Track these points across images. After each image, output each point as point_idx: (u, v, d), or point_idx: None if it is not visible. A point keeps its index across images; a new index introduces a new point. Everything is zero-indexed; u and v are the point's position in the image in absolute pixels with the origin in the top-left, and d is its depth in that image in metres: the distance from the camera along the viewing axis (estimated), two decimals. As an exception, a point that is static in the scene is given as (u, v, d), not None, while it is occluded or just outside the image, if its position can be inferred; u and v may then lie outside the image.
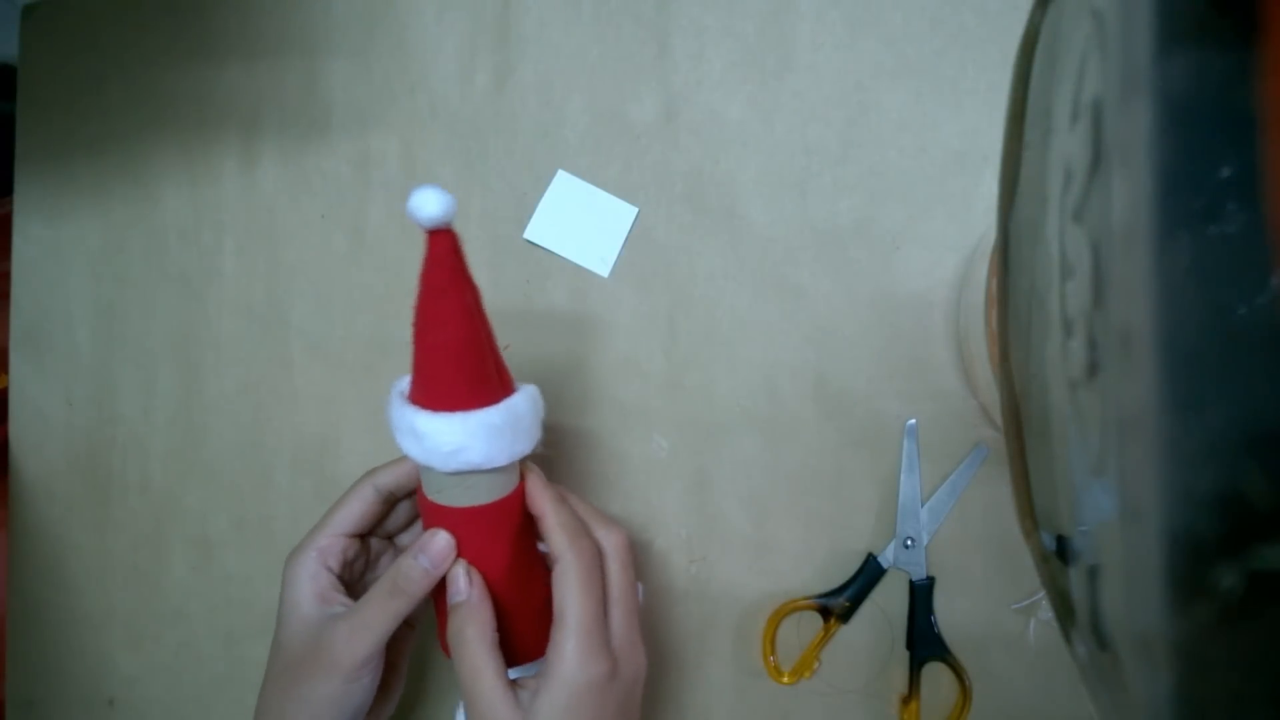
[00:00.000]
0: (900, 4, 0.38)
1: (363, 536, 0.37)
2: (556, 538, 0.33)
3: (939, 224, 0.37)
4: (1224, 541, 0.13)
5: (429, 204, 0.29)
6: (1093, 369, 0.15)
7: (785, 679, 0.38)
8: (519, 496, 0.34)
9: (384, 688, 0.36)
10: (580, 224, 0.42)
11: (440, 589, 0.34)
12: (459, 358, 0.32)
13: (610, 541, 0.34)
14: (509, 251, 0.43)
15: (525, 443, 0.34)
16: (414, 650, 0.39)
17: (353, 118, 0.46)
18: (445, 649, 0.35)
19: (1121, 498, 0.14)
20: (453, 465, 0.32)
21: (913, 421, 0.38)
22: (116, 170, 0.51)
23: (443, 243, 0.31)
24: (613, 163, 0.42)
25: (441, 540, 0.33)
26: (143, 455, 0.50)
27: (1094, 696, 0.16)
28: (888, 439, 0.38)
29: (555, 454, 0.42)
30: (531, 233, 0.42)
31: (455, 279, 0.32)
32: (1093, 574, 0.16)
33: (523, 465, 0.35)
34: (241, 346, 0.48)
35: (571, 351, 0.42)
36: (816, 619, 0.39)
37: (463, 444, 0.31)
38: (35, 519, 0.52)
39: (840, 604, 0.38)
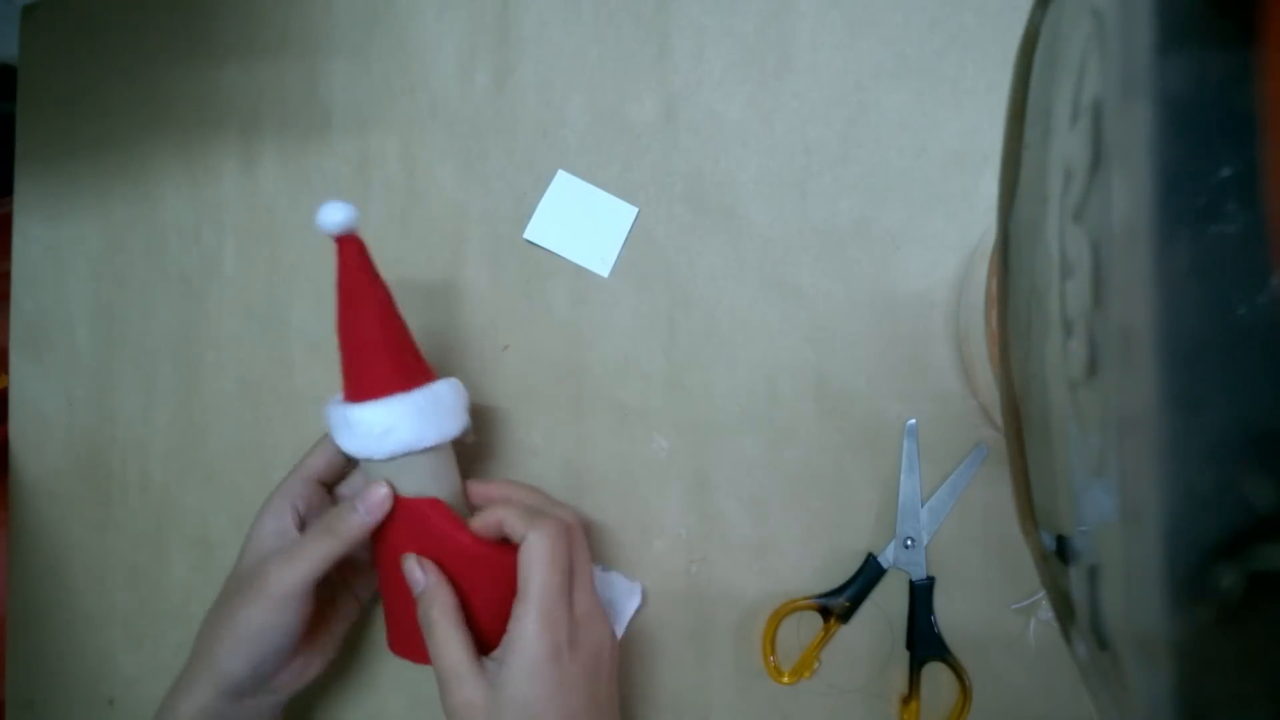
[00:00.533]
0: (900, 4, 0.38)
1: (330, 486, 0.40)
2: (514, 520, 0.34)
3: (939, 224, 0.37)
4: (1224, 541, 0.13)
5: (334, 214, 0.33)
6: (1093, 369, 0.15)
7: (785, 679, 0.38)
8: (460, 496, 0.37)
9: (313, 644, 0.38)
10: (580, 224, 0.42)
11: (394, 594, 0.37)
12: (379, 348, 0.35)
13: (563, 519, 0.35)
14: (509, 251, 0.43)
15: (451, 424, 0.36)
16: (353, 629, 0.41)
17: (353, 118, 0.46)
18: (393, 646, 0.38)
19: (1121, 497, 0.14)
20: (386, 448, 0.34)
21: (913, 421, 0.38)
22: (116, 170, 0.51)
23: (351, 248, 0.34)
24: (613, 163, 0.42)
25: (379, 490, 0.35)
26: (143, 455, 0.50)
27: (1094, 696, 0.16)
28: (888, 439, 0.38)
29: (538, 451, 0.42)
30: (531, 233, 0.42)
31: (366, 280, 0.35)
32: (1093, 574, 0.16)
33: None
34: (241, 346, 0.48)
35: (571, 351, 0.42)
36: (816, 619, 0.39)
37: (391, 425, 0.34)
38: (35, 519, 0.52)
39: (840, 604, 0.38)
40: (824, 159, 0.39)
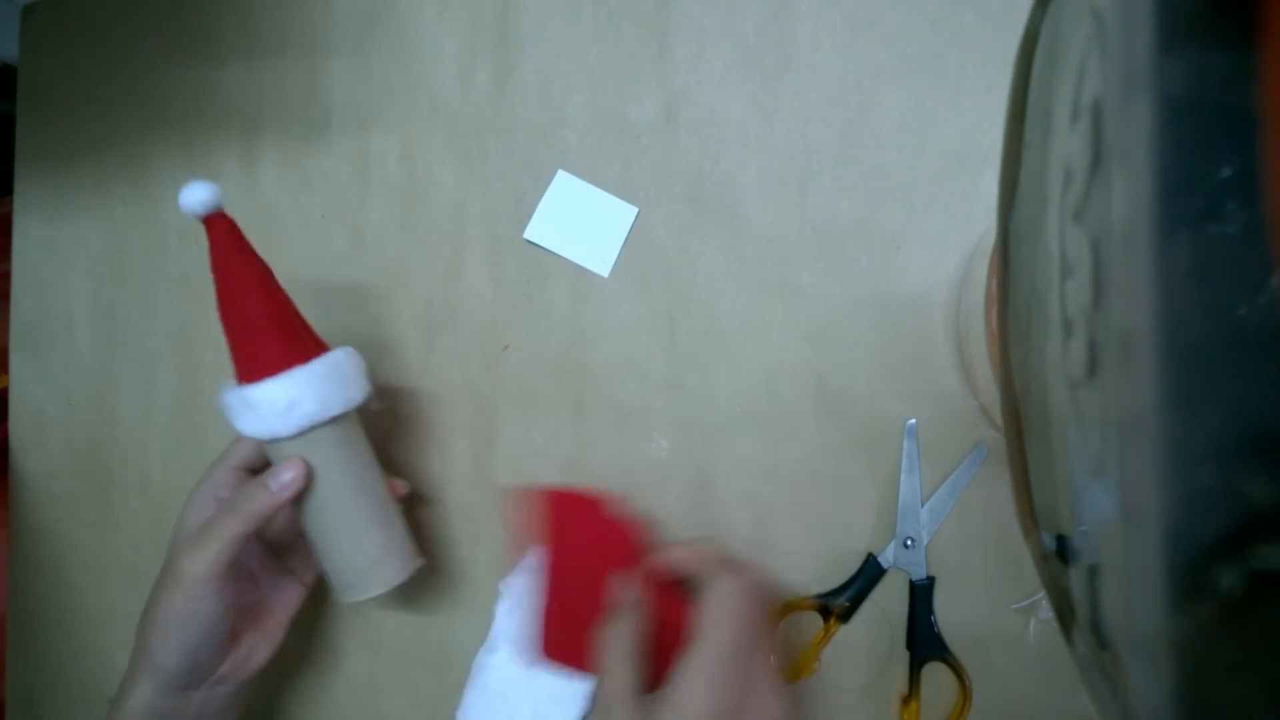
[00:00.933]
0: (900, 4, 0.38)
1: (256, 473, 0.39)
2: (704, 563, 0.32)
3: (939, 224, 0.37)
4: (1224, 541, 0.13)
5: (196, 193, 0.32)
6: (1093, 369, 0.15)
7: (785, 679, 0.38)
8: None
9: (255, 629, 0.38)
10: (580, 224, 0.42)
11: (568, 598, 0.35)
12: (267, 324, 0.34)
13: (756, 579, 0.32)
14: (509, 251, 0.43)
15: (355, 391, 0.36)
16: (301, 611, 0.41)
17: (353, 117, 0.46)
18: (549, 650, 0.36)
19: (1121, 497, 0.14)
20: (293, 422, 0.34)
21: (913, 421, 0.38)
22: (116, 170, 0.51)
23: (219, 226, 0.34)
24: (613, 163, 0.42)
25: (291, 467, 0.35)
26: (143, 455, 0.50)
27: (1094, 696, 0.16)
28: (888, 439, 0.38)
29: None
30: (531, 232, 0.42)
31: (240, 255, 0.34)
32: (1093, 573, 0.16)
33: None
34: (241, 346, 0.48)
35: (571, 351, 0.42)
36: (816, 619, 0.39)
37: (295, 398, 0.34)
38: (35, 519, 0.52)
39: (840, 604, 0.38)
40: (824, 159, 0.39)
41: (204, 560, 0.34)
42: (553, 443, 0.42)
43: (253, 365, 0.34)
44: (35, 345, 0.53)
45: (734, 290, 0.40)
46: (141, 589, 0.50)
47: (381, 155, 0.45)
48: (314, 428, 0.34)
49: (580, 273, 0.42)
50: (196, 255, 0.49)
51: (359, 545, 0.36)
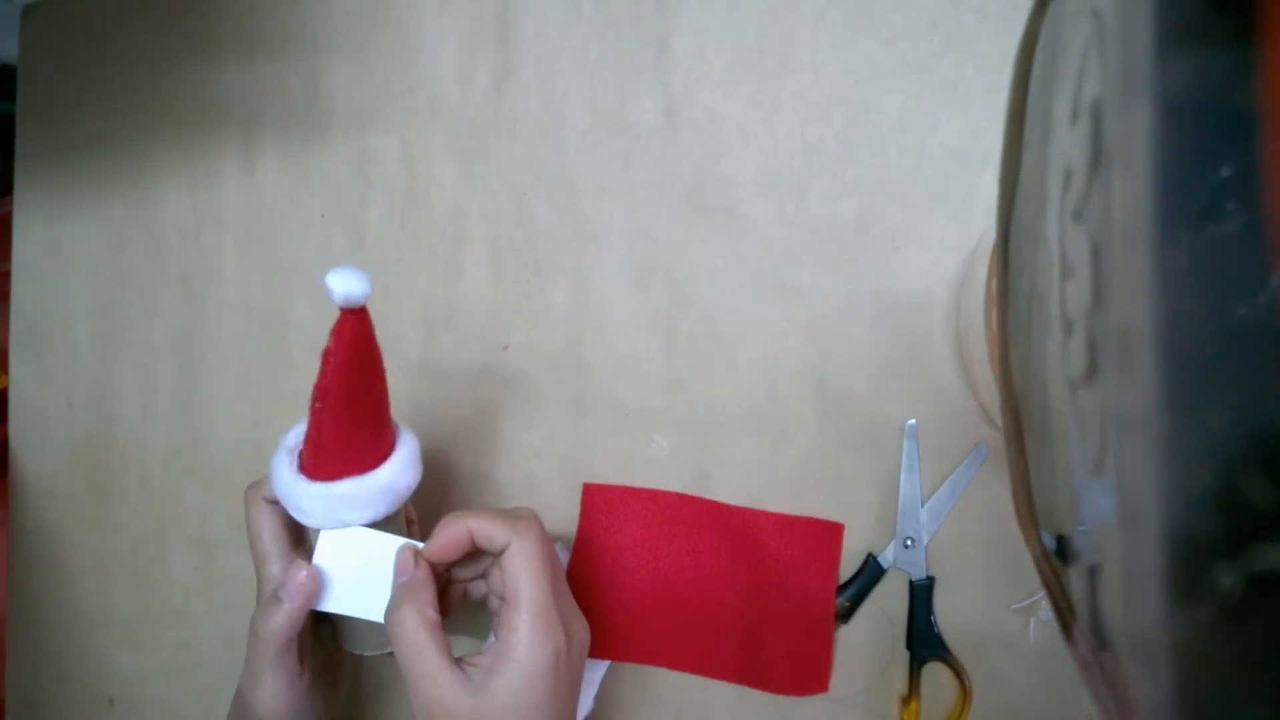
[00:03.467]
0: (900, 4, 0.38)
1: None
2: (492, 528, 0.33)
3: (939, 224, 0.37)
4: (1223, 541, 0.13)
5: (352, 284, 0.29)
6: (1093, 369, 0.15)
7: (785, 679, 0.38)
8: None
9: (324, 699, 0.37)
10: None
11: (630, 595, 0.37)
12: (375, 424, 0.33)
13: (536, 520, 0.34)
14: (509, 251, 0.43)
15: (416, 476, 0.35)
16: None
17: (353, 117, 0.46)
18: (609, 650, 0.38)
19: (1121, 498, 0.14)
20: (365, 518, 0.33)
21: (913, 421, 0.38)
22: (116, 170, 0.51)
23: (361, 318, 0.31)
24: (613, 163, 0.42)
25: (299, 573, 0.33)
26: (143, 455, 0.50)
27: (1094, 696, 0.16)
28: (888, 439, 0.38)
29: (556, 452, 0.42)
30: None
31: (370, 351, 0.32)
32: (1093, 574, 0.16)
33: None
34: (241, 346, 0.48)
35: (571, 351, 0.42)
36: (816, 619, 0.39)
37: (369, 498, 0.33)
38: (35, 519, 0.52)
39: (840, 604, 0.38)
40: (824, 159, 0.39)
41: (267, 697, 0.34)
42: (552, 442, 0.42)
43: (344, 464, 0.33)
44: (35, 345, 0.53)
45: (734, 290, 0.40)
46: (142, 589, 0.50)
47: (381, 155, 0.45)
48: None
49: (580, 272, 0.42)
50: (196, 255, 0.49)
51: (378, 608, 0.35)
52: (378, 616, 0.33)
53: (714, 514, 0.39)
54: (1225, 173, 0.12)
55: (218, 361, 0.48)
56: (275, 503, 0.35)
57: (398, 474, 0.34)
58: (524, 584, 0.32)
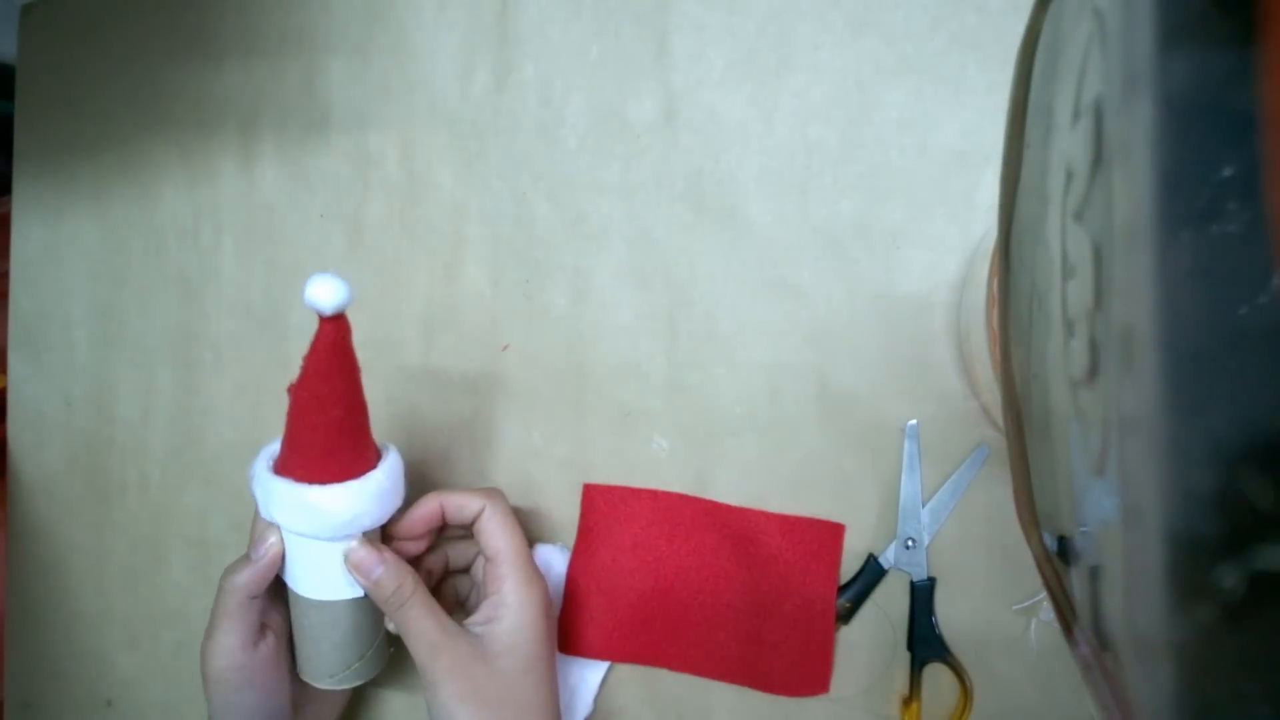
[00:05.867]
0: (901, 3, 0.38)
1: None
2: (466, 499, 0.36)
3: (939, 224, 0.37)
4: (1225, 542, 0.13)
5: (329, 293, 0.30)
6: (1094, 369, 0.15)
7: (785, 679, 0.38)
8: None
9: (320, 699, 0.38)
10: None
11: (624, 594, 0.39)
12: (352, 429, 0.33)
13: (501, 493, 0.37)
14: (509, 251, 0.43)
15: (400, 496, 0.35)
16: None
17: (352, 117, 0.46)
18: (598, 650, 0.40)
19: (1123, 498, 0.14)
20: (348, 532, 0.33)
21: (913, 422, 0.38)
22: (115, 170, 0.51)
23: (339, 325, 0.31)
24: (613, 163, 0.42)
25: (268, 536, 0.34)
26: (141, 456, 0.50)
27: (1096, 697, 0.16)
28: (888, 439, 0.38)
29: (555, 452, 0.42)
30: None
31: (346, 357, 0.32)
32: (1094, 574, 0.16)
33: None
34: (241, 346, 0.48)
35: (571, 352, 0.42)
36: (816, 619, 0.39)
37: (360, 510, 0.33)
38: (34, 519, 0.52)
39: (841, 605, 0.38)
40: (824, 159, 0.39)
41: (218, 651, 0.34)
42: (552, 442, 0.42)
43: (324, 468, 0.33)
44: (34, 345, 0.53)
45: (734, 290, 0.40)
46: (140, 589, 0.50)
47: (380, 155, 0.45)
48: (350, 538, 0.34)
49: (580, 272, 0.42)
50: (195, 255, 0.49)
51: (353, 638, 0.35)
52: (339, 595, 0.35)
53: (714, 515, 0.39)
54: (1226, 172, 0.12)
55: (217, 361, 0.48)
56: None
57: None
58: (503, 539, 0.35)
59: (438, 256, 0.44)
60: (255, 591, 0.35)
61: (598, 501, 0.41)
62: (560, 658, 0.40)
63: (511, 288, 0.43)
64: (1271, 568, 0.13)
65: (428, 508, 0.36)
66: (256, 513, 0.36)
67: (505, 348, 0.43)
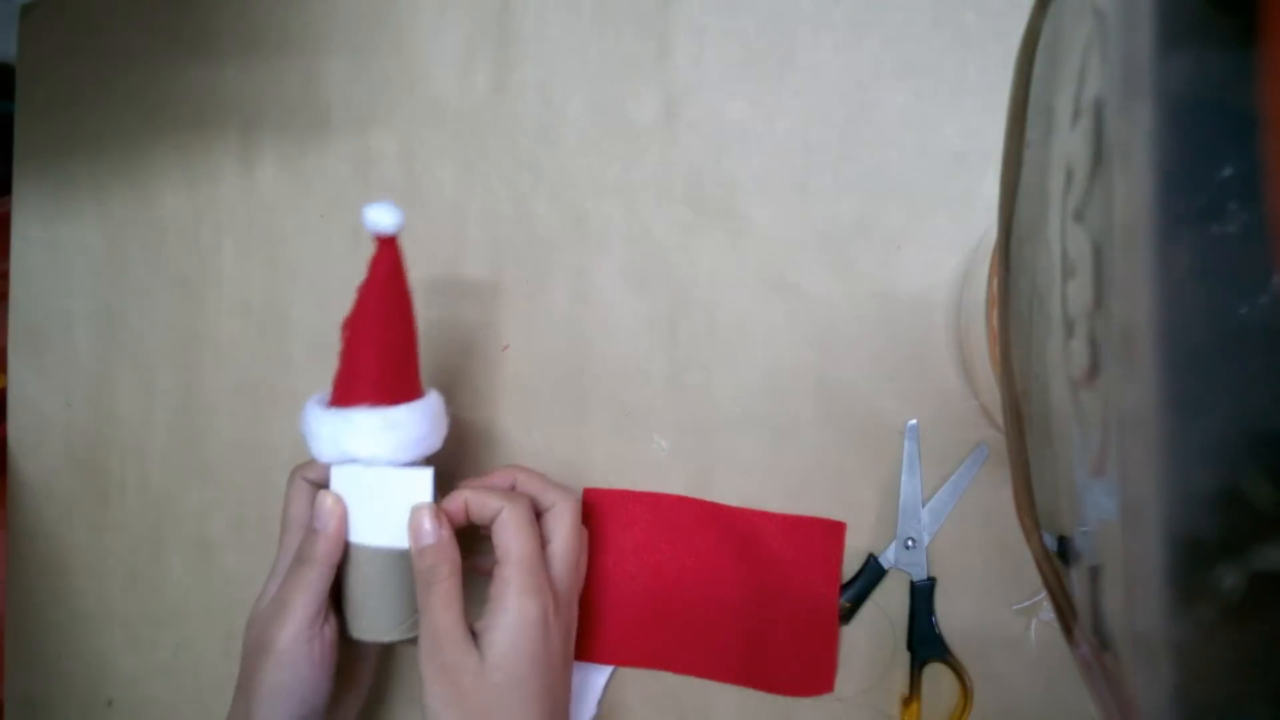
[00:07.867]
0: (901, 3, 0.38)
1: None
2: (489, 498, 0.35)
3: (940, 224, 0.37)
4: (1225, 542, 0.13)
5: (386, 215, 0.33)
6: (1094, 369, 0.15)
7: (785, 679, 0.38)
8: None
9: (348, 677, 0.37)
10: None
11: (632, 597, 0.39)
12: (413, 350, 0.35)
13: (569, 498, 0.36)
14: (509, 251, 0.43)
15: (444, 432, 0.36)
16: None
17: (352, 117, 0.46)
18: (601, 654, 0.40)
19: (1122, 498, 0.14)
20: (418, 451, 0.34)
21: (913, 422, 0.38)
22: (115, 170, 0.51)
23: (393, 247, 0.34)
24: (613, 163, 0.42)
25: (326, 501, 0.34)
26: (142, 456, 0.50)
27: (1096, 697, 0.16)
28: (888, 439, 0.38)
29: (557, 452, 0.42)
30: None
31: (402, 280, 0.35)
32: (1094, 574, 0.16)
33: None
34: (241, 346, 0.48)
35: (572, 351, 0.42)
36: (816, 619, 0.39)
37: (425, 429, 0.34)
38: (34, 519, 0.52)
39: (841, 605, 0.38)
40: (824, 159, 0.39)
41: (289, 622, 0.33)
42: (552, 442, 0.42)
43: (394, 389, 0.34)
44: (34, 346, 0.53)
45: (734, 290, 0.40)
46: (141, 589, 0.50)
47: (381, 155, 0.45)
48: (415, 461, 0.34)
49: (580, 272, 0.42)
50: (195, 255, 0.49)
51: (403, 590, 0.35)
52: (399, 544, 0.34)
53: (715, 516, 0.39)
54: (1226, 172, 0.12)
55: (217, 361, 0.48)
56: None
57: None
58: (513, 543, 0.33)
59: (438, 256, 0.44)
60: (336, 559, 0.34)
61: (598, 506, 0.41)
62: None
63: (511, 288, 0.43)
64: (1271, 568, 0.13)
65: (453, 503, 0.35)
66: (286, 502, 0.37)
67: (505, 348, 0.43)
